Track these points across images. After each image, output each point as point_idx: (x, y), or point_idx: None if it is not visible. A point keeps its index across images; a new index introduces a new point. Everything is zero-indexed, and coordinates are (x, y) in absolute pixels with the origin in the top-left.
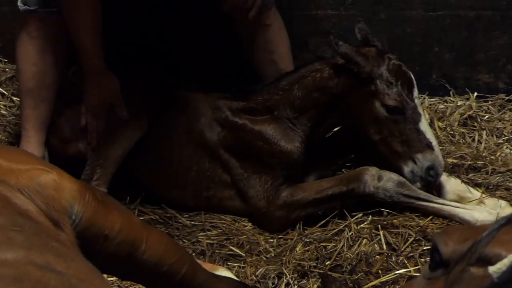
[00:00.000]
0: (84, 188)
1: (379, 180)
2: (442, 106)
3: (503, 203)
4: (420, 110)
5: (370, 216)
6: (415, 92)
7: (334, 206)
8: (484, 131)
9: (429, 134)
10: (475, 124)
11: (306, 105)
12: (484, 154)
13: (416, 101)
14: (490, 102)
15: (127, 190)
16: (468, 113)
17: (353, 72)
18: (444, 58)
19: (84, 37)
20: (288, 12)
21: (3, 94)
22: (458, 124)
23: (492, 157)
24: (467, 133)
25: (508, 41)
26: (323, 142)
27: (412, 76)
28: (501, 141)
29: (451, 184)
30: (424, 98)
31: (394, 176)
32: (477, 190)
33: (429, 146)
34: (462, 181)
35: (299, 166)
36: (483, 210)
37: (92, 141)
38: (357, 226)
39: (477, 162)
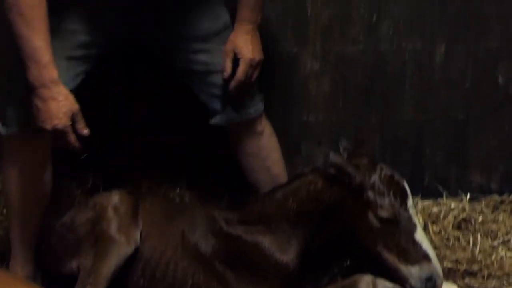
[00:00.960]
0: None
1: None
2: (436, 209)
3: None
4: (415, 219)
5: None
6: (409, 202)
7: None
8: (479, 234)
9: (425, 244)
10: (469, 226)
11: (301, 217)
12: (479, 258)
13: (411, 211)
14: (483, 203)
15: None
16: (462, 215)
17: (345, 183)
18: (436, 160)
19: (36, 39)
20: (281, 117)
21: None
22: (452, 228)
23: (488, 261)
24: (461, 236)
25: (500, 141)
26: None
27: (406, 186)
28: (496, 244)
29: None
30: (418, 201)
31: (390, 285)
32: None
33: (425, 257)
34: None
35: (295, 278)
36: None
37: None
38: None
39: (473, 266)
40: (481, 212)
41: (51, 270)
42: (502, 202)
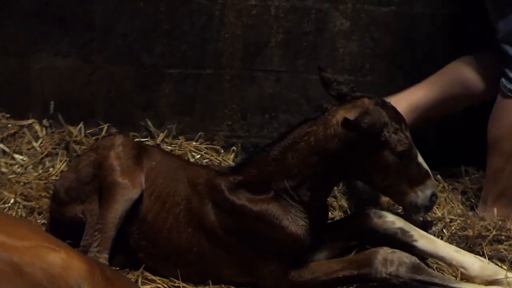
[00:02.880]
0: (94, 268)
1: (391, 265)
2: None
3: None
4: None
5: None
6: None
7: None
8: None
9: (424, 163)
10: None
11: (305, 173)
12: (508, 226)
13: (409, 135)
14: None
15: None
16: None
17: (360, 129)
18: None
19: None
20: (305, 75)
21: (4, 151)
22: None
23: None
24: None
25: None
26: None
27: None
28: None
29: (478, 268)
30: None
31: (407, 259)
32: (502, 267)
33: (427, 175)
34: (489, 260)
35: (306, 245)
36: None
37: None
38: None
39: (502, 233)
40: None
41: (56, 216)
42: None
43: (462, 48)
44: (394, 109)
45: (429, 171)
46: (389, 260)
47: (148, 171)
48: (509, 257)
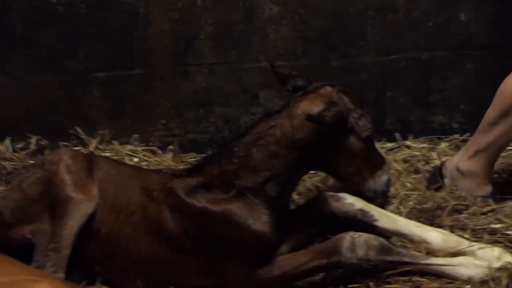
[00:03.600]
0: None
1: (360, 249)
2: (401, 152)
3: (497, 251)
4: None
5: None
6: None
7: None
8: None
9: (379, 148)
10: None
11: (273, 168)
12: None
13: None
14: (446, 143)
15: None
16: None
17: (325, 118)
18: (399, 101)
19: None
20: (237, 64)
21: None
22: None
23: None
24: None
25: (462, 80)
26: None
27: None
28: None
29: (441, 241)
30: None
31: (375, 241)
32: (464, 237)
33: (384, 159)
34: (451, 231)
35: (272, 242)
36: (470, 265)
37: None
38: None
39: (460, 203)
40: (445, 152)
41: (1, 239)
42: (464, 141)
43: (392, 22)
44: (355, 94)
45: (385, 156)
46: (357, 245)
47: (99, 182)
48: (470, 226)
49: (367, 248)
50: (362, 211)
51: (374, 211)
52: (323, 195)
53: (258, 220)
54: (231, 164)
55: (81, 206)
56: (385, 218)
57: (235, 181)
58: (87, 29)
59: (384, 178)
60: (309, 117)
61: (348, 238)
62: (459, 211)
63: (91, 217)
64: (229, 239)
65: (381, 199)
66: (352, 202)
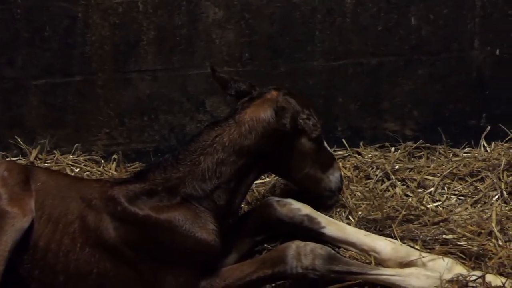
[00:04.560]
0: None
1: (306, 258)
2: (353, 160)
3: (449, 262)
4: None
5: None
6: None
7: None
8: (399, 182)
9: (327, 147)
10: (391, 176)
11: (222, 175)
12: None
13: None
14: (399, 151)
15: None
16: (384, 163)
17: (278, 122)
18: (349, 109)
19: None
20: (181, 70)
21: None
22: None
23: (422, 207)
24: (388, 186)
25: (413, 86)
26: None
27: None
28: (421, 190)
29: (391, 251)
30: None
31: (321, 250)
32: (415, 247)
33: (333, 157)
34: (401, 241)
35: (217, 251)
36: (420, 275)
37: None
38: None
39: (411, 213)
40: (398, 160)
41: None
42: (417, 148)
43: (341, 27)
44: (300, 95)
45: (332, 152)
46: (302, 254)
47: (36, 194)
48: (421, 236)
49: (314, 257)
50: (308, 216)
51: (322, 218)
52: (269, 200)
53: (203, 227)
54: (176, 171)
55: (16, 221)
56: (333, 226)
57: (180, 189)
58: (24, 35)
59: (337, 174)
60: (272, 130)
61: (294, 247)
62: (410, 221)
63: (27, 231)
64: (172, 248)
65: (337, 196)
66: (299, 207)
